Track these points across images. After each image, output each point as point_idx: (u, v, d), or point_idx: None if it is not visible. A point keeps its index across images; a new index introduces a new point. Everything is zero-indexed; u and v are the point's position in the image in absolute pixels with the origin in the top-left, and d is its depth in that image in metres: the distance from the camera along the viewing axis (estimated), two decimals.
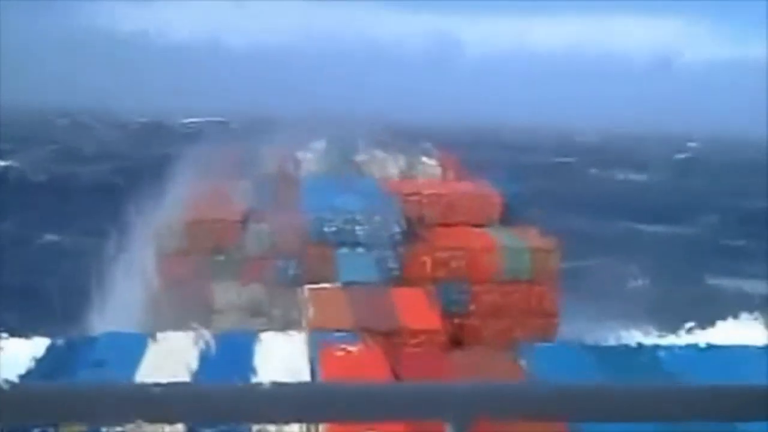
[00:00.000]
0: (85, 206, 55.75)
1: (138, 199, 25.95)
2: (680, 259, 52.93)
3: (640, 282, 46.45)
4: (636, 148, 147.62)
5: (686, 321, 29.38)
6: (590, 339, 19.64)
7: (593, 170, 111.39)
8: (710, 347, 16.06)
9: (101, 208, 37.61)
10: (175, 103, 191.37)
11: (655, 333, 31.51)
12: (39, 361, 16.34)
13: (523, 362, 16.94)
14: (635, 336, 29.75)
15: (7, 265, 42.03)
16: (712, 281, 48.78)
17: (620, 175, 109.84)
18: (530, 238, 22.57)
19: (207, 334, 17.59)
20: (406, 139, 33.14)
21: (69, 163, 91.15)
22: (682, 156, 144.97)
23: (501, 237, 22.80)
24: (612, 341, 23.83)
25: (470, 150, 40.79)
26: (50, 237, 53.74)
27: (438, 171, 28.98)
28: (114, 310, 22.77)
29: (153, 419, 2.59)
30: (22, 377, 15.23)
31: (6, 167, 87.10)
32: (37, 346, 17.11)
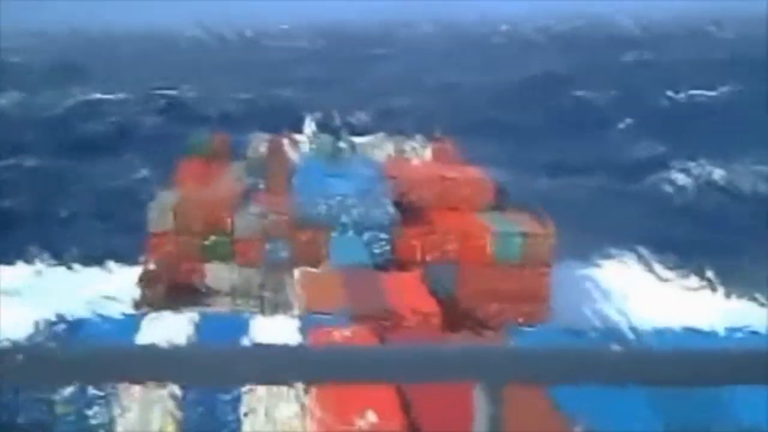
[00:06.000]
0: None
1: None
2: None
3: None
4: None
5: None
6: None
7: None
8: None
9: None
10: None
11: None
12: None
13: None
14: None
15: None
16: None
17: None
18: (523, 222, 22.51)
19: (197, 315, 17.53)
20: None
21: None
22: None
23: (494, 222, 22.74)
24: None
25: None
26: None
27: (431, 154, 28.85)
28: None
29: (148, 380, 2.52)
30: None
31: None
32: None
